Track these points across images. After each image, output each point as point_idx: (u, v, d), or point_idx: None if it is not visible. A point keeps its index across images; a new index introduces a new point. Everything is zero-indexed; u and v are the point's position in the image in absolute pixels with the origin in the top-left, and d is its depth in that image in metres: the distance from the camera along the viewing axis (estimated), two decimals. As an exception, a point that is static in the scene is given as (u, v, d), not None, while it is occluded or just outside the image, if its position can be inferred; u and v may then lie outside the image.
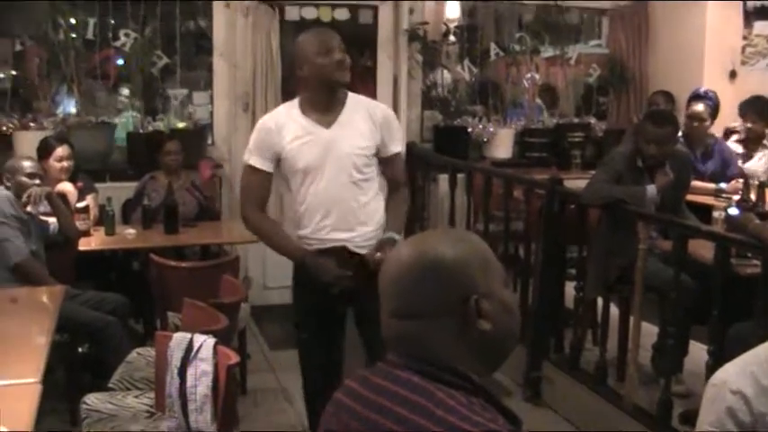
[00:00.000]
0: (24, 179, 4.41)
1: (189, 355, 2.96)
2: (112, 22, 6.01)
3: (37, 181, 4.46)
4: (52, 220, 4.63)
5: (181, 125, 6.17)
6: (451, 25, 6.97)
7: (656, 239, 4.56)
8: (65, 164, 5.12)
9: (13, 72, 6.28)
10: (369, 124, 3.34)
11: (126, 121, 6.34)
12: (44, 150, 5.13)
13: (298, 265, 3.40)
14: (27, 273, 4.21)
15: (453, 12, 7.24)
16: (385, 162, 3.43)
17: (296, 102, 3.40)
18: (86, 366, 4.35)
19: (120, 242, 5.06)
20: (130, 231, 5.12)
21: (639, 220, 4.22)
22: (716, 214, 4.61)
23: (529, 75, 7.09)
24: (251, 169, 3.35)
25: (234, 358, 2.91)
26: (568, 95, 7.47)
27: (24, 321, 3.51)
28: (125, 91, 6.49)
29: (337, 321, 3.46)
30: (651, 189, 4.40)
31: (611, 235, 4.49)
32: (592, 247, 4.70)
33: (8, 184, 4.40)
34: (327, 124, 3.31)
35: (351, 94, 3.40)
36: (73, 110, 6.15)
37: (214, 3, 6.22)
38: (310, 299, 3.40)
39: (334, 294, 3.27)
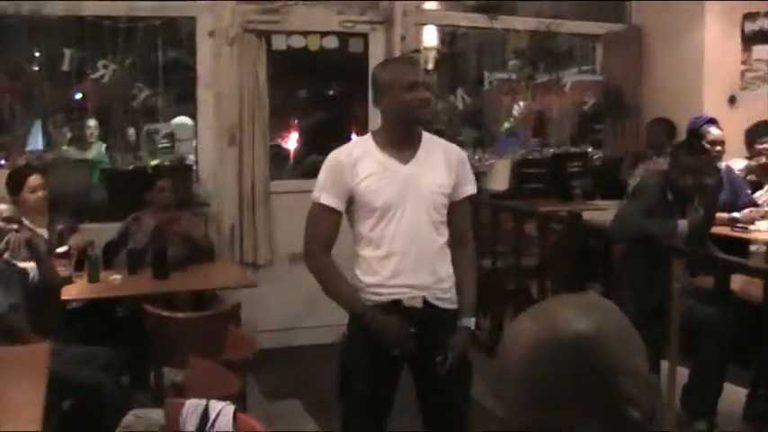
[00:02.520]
0: (0, 224, 4.04)
1: (205, 425, 2.61)
2: (87, 54, 5.67)
3: (15, 226, 4.10)
4: (31, 265, 4.24)
5: (153, 162, 5.82)
6: (430, 54, 6.73)
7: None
8: (40, 194, 4.82)
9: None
10: (445, 163, 3.10)
11: (98, 153, 6.01)
12: (16, 183, 4.82)
13: (355, 320, 3.08)
14: (7, 329, 3.81)
15: (431, 39, 6.98)
16: (456, 207, 3.16)
17: (369, 136, 3.15)
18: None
19: (105, 289, 4.65)
20: (116, 277, 4.72)
21: (675, 257, 3.97)
22: (753, 248, 4.39)
23: (522, 103, 6.85)
24: (321, 207, 3.06)
25: (258, 427, 2.57)
26: (563, 123, 7.23)
27: (12, 386, 3.12)
28: (92, 122, 6.14)
29: (389, 386, 3.10)
30: (683, 224, 4.17)
31: (640, 272, 4.23)
32: (617, 284, 4.43)
33: (-18, 231, 4.03)
34: (404, 160, 3.06)
35: (425, 133, 3.16)
36: (43, 146, 5.79)
37: (198, 32, 5.91)
38: (363, 359, 3.06)
39: (394, 356, 2.98)
